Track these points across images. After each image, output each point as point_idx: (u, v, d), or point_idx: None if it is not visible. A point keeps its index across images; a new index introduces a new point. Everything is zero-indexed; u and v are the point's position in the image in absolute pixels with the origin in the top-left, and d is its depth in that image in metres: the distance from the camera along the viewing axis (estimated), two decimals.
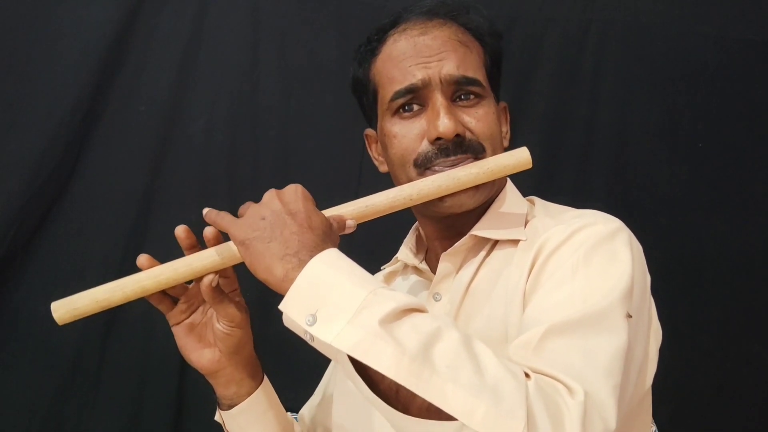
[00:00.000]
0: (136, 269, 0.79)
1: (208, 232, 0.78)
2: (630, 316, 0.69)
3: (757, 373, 1.50)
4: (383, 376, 0.57)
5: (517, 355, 0.65)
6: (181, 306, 0.82)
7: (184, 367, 1.45)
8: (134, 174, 1.49)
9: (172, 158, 1.51)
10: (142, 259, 0.79)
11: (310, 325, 0.61)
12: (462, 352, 0.58)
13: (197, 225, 1.53)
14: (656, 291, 0.80)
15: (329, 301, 0.61)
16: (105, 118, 1.48)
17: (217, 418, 0.91)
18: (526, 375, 0.60)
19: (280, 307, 0.64)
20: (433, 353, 0.58)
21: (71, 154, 1.46)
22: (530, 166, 0.81)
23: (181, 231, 0.79)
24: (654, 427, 0.87)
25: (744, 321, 1.50)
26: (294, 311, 0.63)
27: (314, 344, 0.62)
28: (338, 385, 0.98)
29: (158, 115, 1.50)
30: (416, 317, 0.61)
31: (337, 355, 0.61)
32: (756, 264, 1.50)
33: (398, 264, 1.00)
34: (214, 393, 0.88)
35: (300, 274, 0.64)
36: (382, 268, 1.03)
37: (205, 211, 0.78)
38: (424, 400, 0.56)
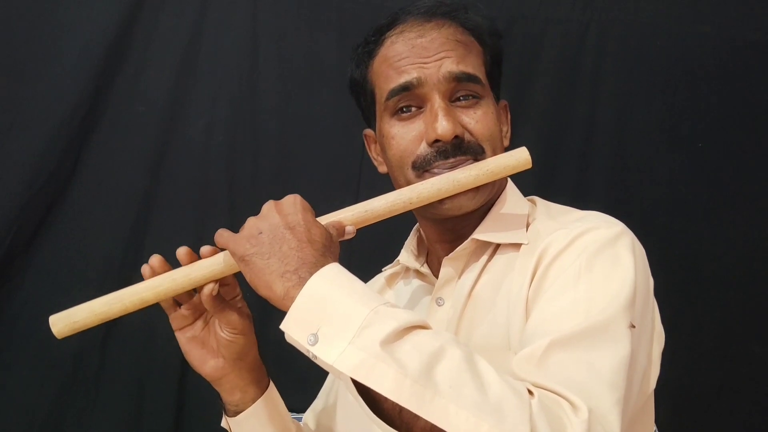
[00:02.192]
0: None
1: (204, 251, 0.77)
2: (633, 326, 0.68)
3: (757, 373, 1.50)
4: (385, 397, 0.56)
5: (520, 368, 0.65)
6: (183, 311, 0.82)
7: (184, 371, 1.45)
8: (134, 175, 1.49)
9: (172, 159, 1.51)
10: (154, 260, 0.78)
11: (312, 345, 0.60)
12: (464, 371, 0.58)
13: (197, 225, 1.54)
14: (656, 291, 0.80)
15: (330, 319, 0.60)
16: (105, 119, 1.48)
17: (223, 424, 0.90)
18: (530, 392, 0.59)
19: (282, 326, 0.63)
20: (435, 373, 0.57)
21: (71, 155, 1.46)
22: (530, 166, 0.80)
23: (183, 254, 0.78)
24: (655, 428, 0.87)
25: (744, 321, 1.50)
26: (295, 331, 0.62)
27: (318, 362, 0.62)
28: (341, 397, 0.97)
29: (158, 116, 1.50)
30: (418, 335, 0.60)
31: (340, 374, 0.60)
32: (756, 264, 1.50)
33: (399, 266, 0.99)
34: (220, 399, 0.88)
35: (300, 292, 0.63)
36: (383, 269, 1.03)
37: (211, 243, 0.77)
38: (427, 421, 0.56)
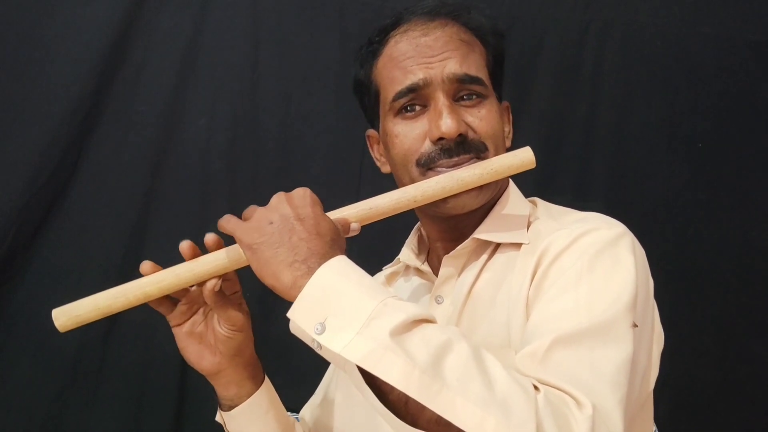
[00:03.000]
0: (137, 269, 0.79)
1: (209, 239, 0.78)
2: (635, 326, 0.68)
3: (757, 373, 1.50)
4: (392, 387, 0.57)
5: (523, 365, 0.65)
6: (181, 308, 0.82)
7: (184, 369, 1.45)
8: (135, 174, 1.49)
9: (172, 158, 1.51)
10: (146, 266, 0.78)
11: (319, 334, 0.60)
12: (472, 365, 0.58)
13: (197, 225, 1.53)
14: (656, 291, 0.80)
15: (338, 309, 0.61)
16: (105, 119, 1.48)
17: (218, 418, 0.91)
18: (535, 388, 0.60)
19: (288, 314, 0.63)
20: (443, 366, 0.57)
21: (71, 155, 1.46)
22: (534, 165, 0.81)
23: (186, 247, 0.78)
24: (654, 428, 0.87)
25: (744, 321, 1.50)
26: (302, 319, 0.62)
27: (321, 352, 0.62)
28: (341, 390, 0.97)
29: (159, 115, 1.50)
30: (426, 328, 0.61)
31: (345, 364, 0.60)
32: (756, 264, 1.51)
33: (400, 265, 1.00)
34: (215, 394, 0.88)
35: (309, 281, 0.63)
36: (383, 268, 1.03)
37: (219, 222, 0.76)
38: (433, 413, 0.56)
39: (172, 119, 1.51)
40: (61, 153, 1.45)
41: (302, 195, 0.72)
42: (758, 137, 1.51)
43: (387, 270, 1.02)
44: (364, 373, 0.59)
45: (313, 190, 0.75)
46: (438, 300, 0.87)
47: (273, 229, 0.68)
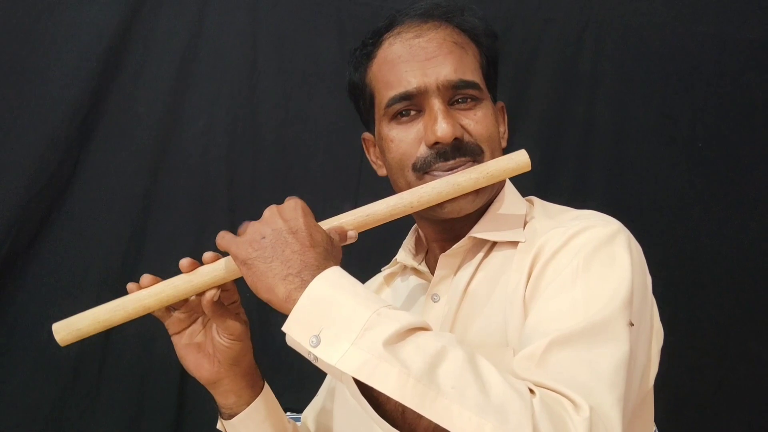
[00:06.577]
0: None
1: (207, 257, 0.78)
2: (632, 324, 0.68)
3: (757, 373, 1.50)
4: (388, 398, 0.57)
5: (521, 368, 0.65)
6: (178, 315, 0.82)
7: (184, 372, 1.44)
8: (134, 176, 1.49)
9: (171, 160, 1.51)
10: (146, 279, 0.78)
11: (314, 347, 0.60)
12: (467, 372, 0.58)
13: (197, 227, 1.53)
14: (655, 291, 0.80)
15: (333, 321, 0.61)
16: (104, 121, 1.48)
17: (219, 426, 0.91)
18: (531, 391, 0.60)
19: (283, 328, 0.63)
20: (438, 374, 0.57)
21: (71, 157, 1.46)
22: (529, 168, 0.81)
23: (186, 265, 0.78)
24: (654, 428, 0.87)
25: (744, 321, 1.50)
26: (297, 332, 0.62)
27: (318, 364, 0.62)
28: (339, 396, 0.97)
29: (158, 117, 1.50)
30: (420, 336, 0.61)
31: (342, 376, 0.60)
32: (756, 264, 1.50)
33: (397, 266, 1.00)
34: (215, 402, 0.88)
35: (302, 294, 0.63)
36: (381, 269, 1.03)
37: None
38: (430, 422, 0.56)
39: (171, 121, 1.51)
40: (61, 155, 1.45)
41: (293, 207, 0.72)
42: (757, 137, 1.51)
43: (385, 271, 1.02)
44: (360, 384, 0.59)
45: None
46: (434, 298, 0.87)
47: (266, 243, 0.69)
